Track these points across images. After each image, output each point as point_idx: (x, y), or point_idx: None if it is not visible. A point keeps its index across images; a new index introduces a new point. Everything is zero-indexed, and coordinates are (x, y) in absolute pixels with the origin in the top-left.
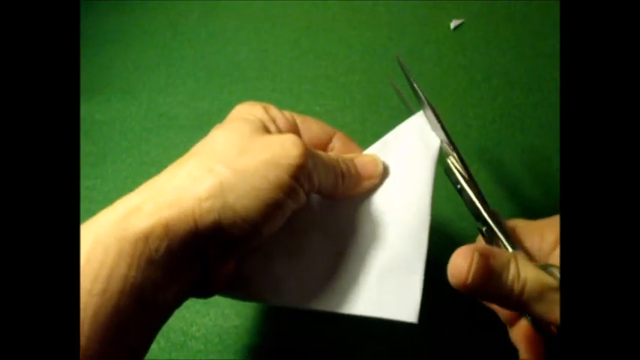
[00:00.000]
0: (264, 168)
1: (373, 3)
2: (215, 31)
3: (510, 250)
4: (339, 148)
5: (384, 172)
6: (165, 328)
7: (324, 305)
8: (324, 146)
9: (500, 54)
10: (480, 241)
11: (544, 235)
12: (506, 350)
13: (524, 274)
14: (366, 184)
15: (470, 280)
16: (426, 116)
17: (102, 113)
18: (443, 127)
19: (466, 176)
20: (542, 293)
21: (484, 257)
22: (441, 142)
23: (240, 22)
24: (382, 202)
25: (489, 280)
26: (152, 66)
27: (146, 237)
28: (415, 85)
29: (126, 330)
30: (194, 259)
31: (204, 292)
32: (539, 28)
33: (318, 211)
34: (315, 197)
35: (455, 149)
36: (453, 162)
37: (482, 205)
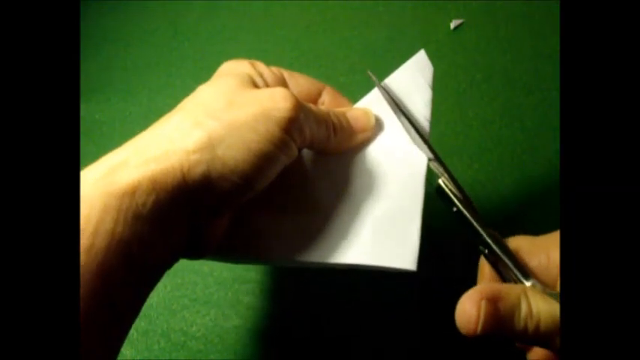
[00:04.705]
0: (254, 121)
1: (373, 3)
2: (215, 31)
3: (518, 275)
4: (329, 103)
5: (377, 125)
6: (165, 328)
7: (319, 257)
8: (314, 101)
9: (500, 54)
10: (484, 262)
11: (550, 255)
12: None
13: (536, 310)
14: (359, 137)
15: (480, 329)
16: (411, 136)
17: (102, 113)
18: (430, 147)
19: (461, 197)
20: (557, 327)
21: (492, 302)
22: (429, 161)
23: (240, 22)
24: (376, 154)
25: (500, 325)
26: (152, 66)
27: (132, 191)
28: (396, 105)
29: (112, 290)
30: (183, 214)
31: (196, 253)
32: (539, 28)
33: (311, 167)
34: (307, 153)
35: (445, 169)
36: (445, 183)
37: (483, 229)
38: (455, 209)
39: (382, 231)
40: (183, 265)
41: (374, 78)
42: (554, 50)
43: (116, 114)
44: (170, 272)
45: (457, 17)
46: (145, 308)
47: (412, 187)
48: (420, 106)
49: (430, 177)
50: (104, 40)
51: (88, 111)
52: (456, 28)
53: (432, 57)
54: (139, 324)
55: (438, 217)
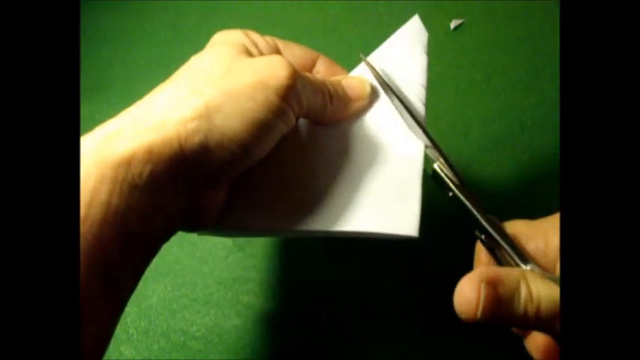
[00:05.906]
0: (251, 89)
1: (373, 3)
2: (215, 31)
3: (517, 259)
4: (324, 72)
5: (373, 94)
6: (165, 328)
7: (320, 225)
8: (309, 70)
9: (500, 54)
10: (480, 248)
11: (548, 240)
12: None
13: (536, 293)
14: (355, 105)
15: (480, 313)
16: (404, 119)
17: (102, 113)
18: (424, 131)
19: (457, 182)
20: (558, 311)
21: (492, 286)
22: (425, 147)
23: (240, 22)
24: (373, 123)
25: (500, 309)
26: (152, 66)
27: (128, 162)
28: (390, 87)
29: (109, 262)
30: (180, 185)
31: (193, 225)
32: (539, 28)
33: (308, 137)
34: (304, 124)
35: (441, 154)
36: (440, 167)
37: (480, 214)
38: (451, 194)
39: (383, 198)
40: (183, 265)
41: (365, 59)
42: (554, 50)
43: (116, 114)
44: (170, 272)
45: (457, 17)
46: (145, 308)
47: (411, 154)
48: (416, 76)
49: (425, 163)
50: (104, 39)
51: (88, 111)
52: (456, 28)
53: (432, 57)
54: (139, 324)
55: (439, 216)
